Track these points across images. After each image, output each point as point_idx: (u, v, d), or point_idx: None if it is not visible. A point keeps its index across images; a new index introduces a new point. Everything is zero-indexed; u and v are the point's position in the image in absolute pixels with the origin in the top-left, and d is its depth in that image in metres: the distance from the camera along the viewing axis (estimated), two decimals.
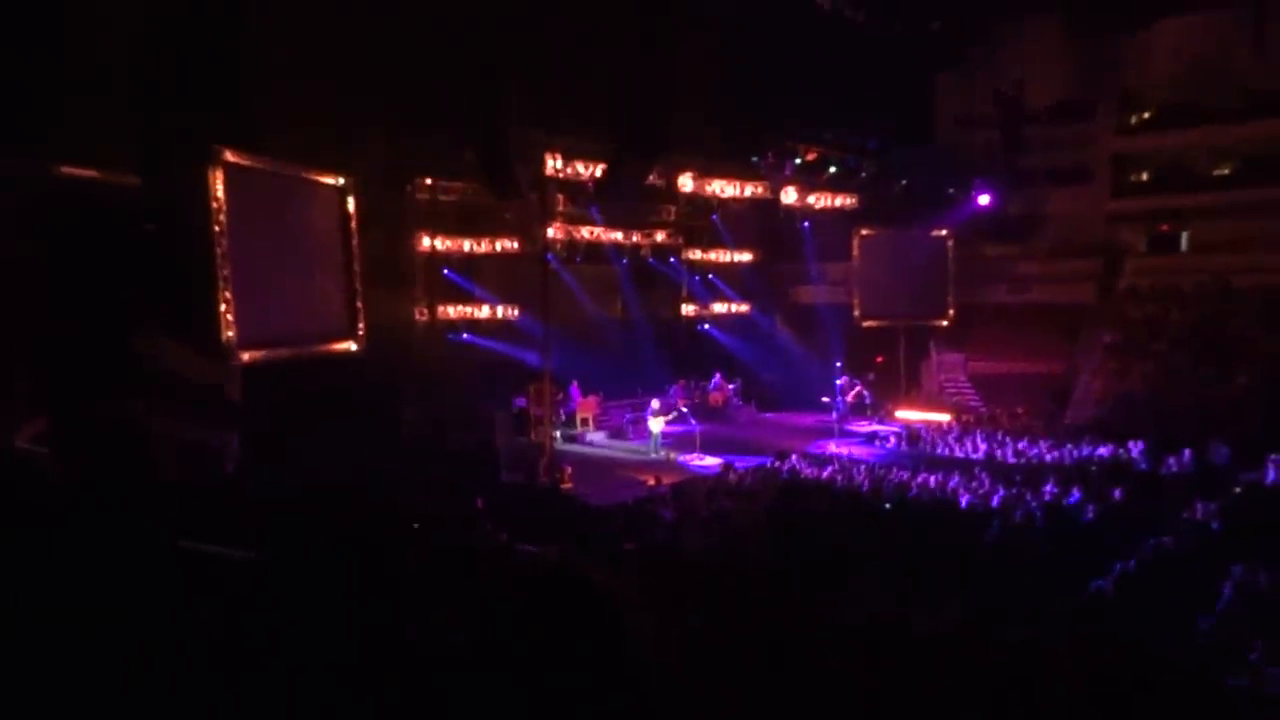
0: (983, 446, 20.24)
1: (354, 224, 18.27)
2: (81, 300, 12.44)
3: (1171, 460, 16.73)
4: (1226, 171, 25.91)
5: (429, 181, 21.77)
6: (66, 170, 12.87)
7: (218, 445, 14.81)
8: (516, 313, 23.94)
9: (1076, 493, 13.83)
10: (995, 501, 13.83)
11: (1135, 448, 17.86)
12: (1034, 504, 13.66)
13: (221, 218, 14.56)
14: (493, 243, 23.32)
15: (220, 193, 14.54)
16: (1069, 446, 19.18)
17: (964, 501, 14.49)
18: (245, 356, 15.27)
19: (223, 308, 14.64)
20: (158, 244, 13.94)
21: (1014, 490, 14.54)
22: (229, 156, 14.79)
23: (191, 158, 14.27)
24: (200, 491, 11.57)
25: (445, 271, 23.08)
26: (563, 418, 23.36)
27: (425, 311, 22.50)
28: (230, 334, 14.80)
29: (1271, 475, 14.49)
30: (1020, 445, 19.88)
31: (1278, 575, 9.16)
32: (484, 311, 23.71)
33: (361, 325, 18.43)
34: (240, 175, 15.11)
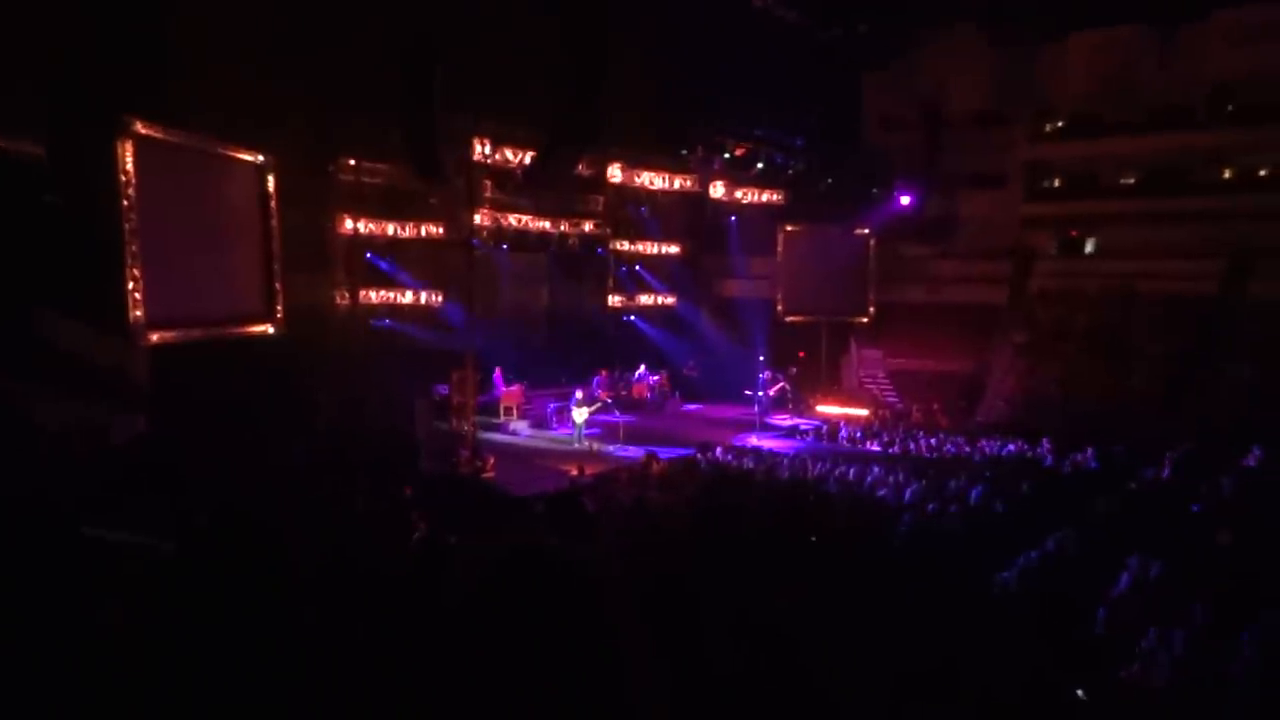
0: (898, 441, 20.70)
1: (274, 203, 17.76)
2: None
3: (1076, 456, 17.35)
4: (1132, 181, 26.97)
5: (353, 162, 21.22)
6: None
7: (121, 430, 14.26)
8: (440, 299, 23.56)
9: (986, 487, 14.22)
10: (909, 495, 14.13)
11: (1042, 445, 18.47)
12: (945, 497, 14.01)
13: (130, 192, 13.96)
14: (417, 227, 22.87)
15: (130, 165, 13.94)
16: (981, 442, 19.74)
17: (880, 494, 14.77)
18: (154, 337, 14.74)
19: (130, 286, 14.07)
20: (60, 217, 13.29)
21: (927, 484, 14.87)
22: (140, 128, 14.20)
23: (100, 127, 13.64)
24: (100, 477, 11.11)
25: (368, 255, 22.55)
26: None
27: (346, 295, 21.97)
28: (138, 314, 14.24)
29: (1167, 471, 15.15)
30: (934, 440, 20.39)
31: (1169, 565, 9.57)
32: (407, 297, 23.26)
33: (279, 308, 17.97)
34: (152, 148, 14.52)
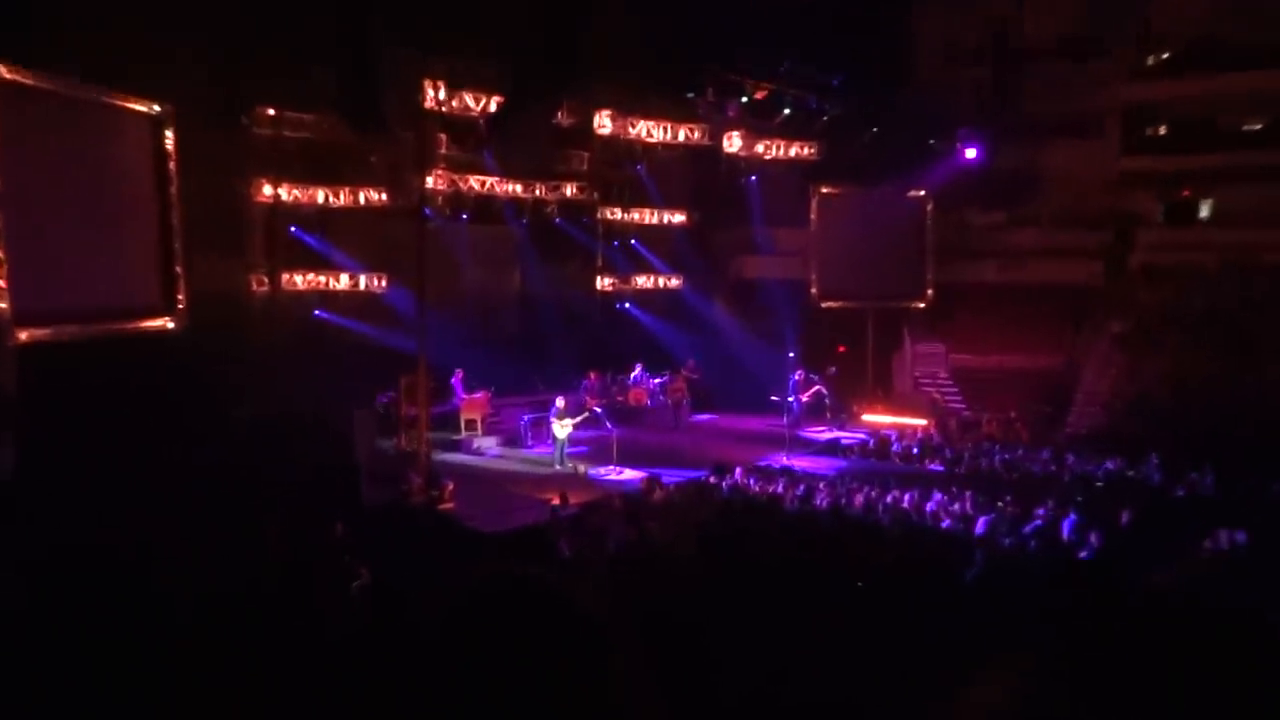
0: (966, 458, 20.71)
1: (173, 165, 17.77)
2: None
3: (1191, 476, 17.37)
4: (1259, 126, 26.92)
5: (272, 112, 21.21)
6: None
7: None
8: (384, 283, 23.51)
9: (1076, 516, 14.23)
10: (980, 526, 14.13)
11: (1149, 462, 18.48)
12: (1026, 529, 14.02)
13: None
14: (354, 193, 22.86)
15: None
16: (1069, 459, 19.74)
17: (944, 525, 14.78)
18: (23, 335, 14.72)
19: None
20: None
21: (1003, 512, 14.88)
22: (3, 72, 14.20)
23: None
24: None
25: (292, 229, 22.54)
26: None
27: (265, 280, 21.95)
28: (2, 306, 14.24)
29: None
30: (1011, 457, 20.40)
31: None
32: (342, 281, 23.24)
33: (181, 297, 18.01)
34: (18, 98, 14.50)
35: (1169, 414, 22.01)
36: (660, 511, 16.17)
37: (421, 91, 21.20)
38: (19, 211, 14.39)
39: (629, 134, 26.12)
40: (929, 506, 15.74)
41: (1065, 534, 13.79)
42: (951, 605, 10.17)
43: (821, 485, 17.93)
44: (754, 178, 29.07)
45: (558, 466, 21.28)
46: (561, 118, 24.14)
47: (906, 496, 16.31)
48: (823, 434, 25.08)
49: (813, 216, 28.37)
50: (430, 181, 22.49)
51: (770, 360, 26.57)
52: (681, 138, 26.98)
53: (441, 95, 21.76)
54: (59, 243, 15.58)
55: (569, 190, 26.42)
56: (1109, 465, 19.07)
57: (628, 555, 13.35)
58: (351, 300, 23.33)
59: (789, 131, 28.29)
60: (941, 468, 20.54)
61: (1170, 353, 23.90)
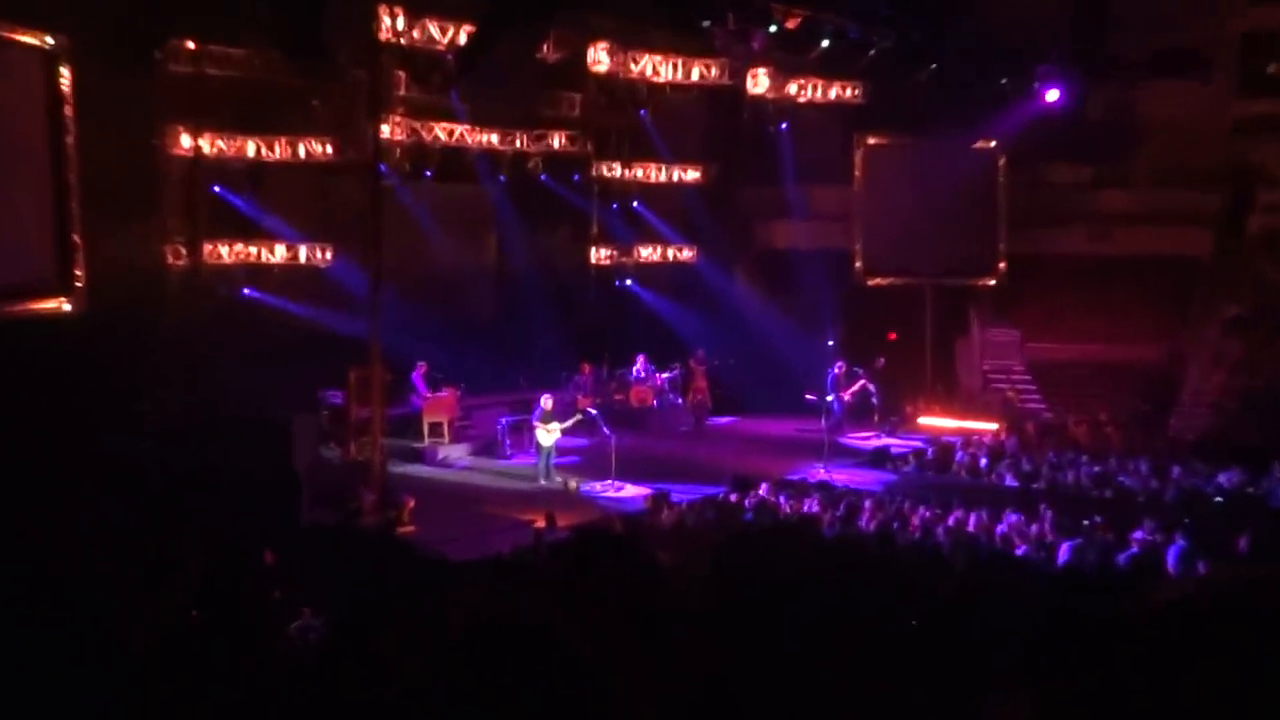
0: (1046, 471, 20.66)
1: (70, 111, 17.77)
2: None
3: None
4: None
5: (192, 46, 21.17)
6: None
7: None
8: (329, 255, 23.49)
9: (1184, 542, 14.20)
10: (1064, 554, 14.11)
11: (1272, 473, 18.43)
12: (1121, 558, 13.98)
13: None
14: (292, 145, 22.88)
15: None
16: (1174, 471, 19.68)
17: (1019, 552, 14.74)
18: None
19: None
20: None
21: (1092, 536, 14.86)
22: None
23: None
24: None
25: (216, 189, 22.53)
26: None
27: (183, 252, 21.93)
28: None
29: None
30: (1102, 469, 20.33)
31: None
32: (278, 253, 23.23)
33: (79, 273, 18.01)
34: None
35: None
36: (669, 536, 16.15)
37: (376, 19, 21.16)
38: None
39: (630, 71, 26.06)
40: (1000, 529, 15.70)
41: (1170, 564, 13.74)
42: (1028, 648, 10.13)
43: (868, 503, 17.88)
44: (784, 125, 28.94)
45: (543, 481, 21.30)
46: (547, 51, 24.08)
47: (973, 517, 16.27)
48: (869, 440, 25.10)
49: (857, 173, 28.38)
50: (386, 130, 22.44)
51: (804, 350, 26.60)
52: (695, 76, 26.92)
53: (400, 24, 21.70)
54: None
55: (556, 141, 26.39)
56: (1223, 479, 18.98)
57: (630, 585, 13.31)
58: (289, 276, 23.32)
59: (827, 68, 28.21)
60: (1016, 482, 20.49)
61: None
